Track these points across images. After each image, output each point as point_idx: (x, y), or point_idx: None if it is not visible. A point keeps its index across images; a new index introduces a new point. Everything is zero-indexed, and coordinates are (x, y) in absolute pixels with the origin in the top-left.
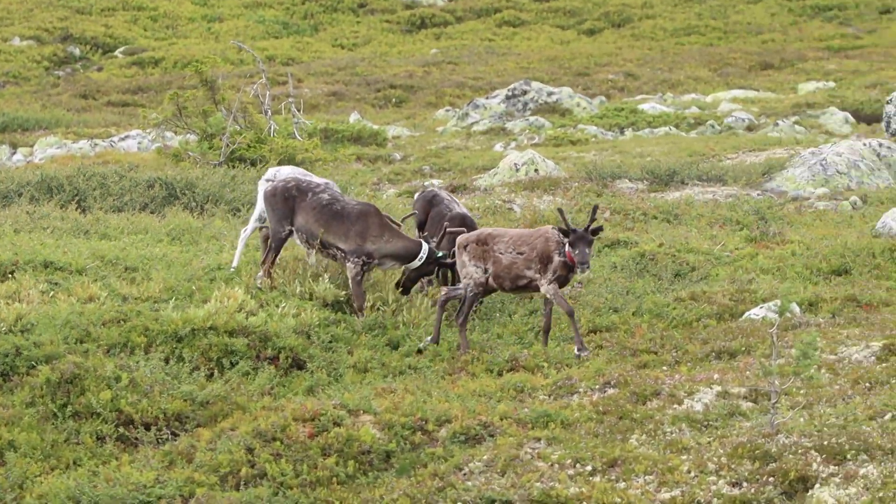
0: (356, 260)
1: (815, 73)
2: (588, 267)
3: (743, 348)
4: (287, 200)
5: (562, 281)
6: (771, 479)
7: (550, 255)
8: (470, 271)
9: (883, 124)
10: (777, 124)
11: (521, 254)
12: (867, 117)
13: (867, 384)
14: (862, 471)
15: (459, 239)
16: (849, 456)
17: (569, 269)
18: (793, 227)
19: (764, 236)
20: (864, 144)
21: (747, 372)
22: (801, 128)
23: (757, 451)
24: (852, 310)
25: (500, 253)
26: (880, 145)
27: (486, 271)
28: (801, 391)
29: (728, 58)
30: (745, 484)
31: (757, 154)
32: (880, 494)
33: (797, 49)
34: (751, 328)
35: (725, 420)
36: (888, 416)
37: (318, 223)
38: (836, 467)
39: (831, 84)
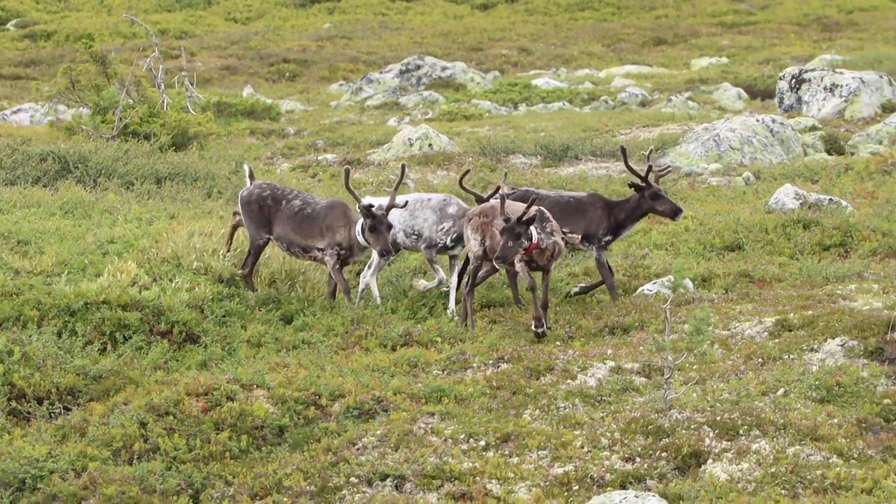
0: (331, 252)
1: (709, 49)
2: (502, 261)
3: (636, 324)
4: (263, 209)
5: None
6: (664, 454)
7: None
8: (470, 244)
9: (776, 100)
10: (670, 100)
11: None
12: (760, 93)
13: (760, 360)
14: (754, 446)
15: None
16: (741, 431)
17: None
18: (687, 202)
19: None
20: (758, 120)
21: (640, 347)
22: (695, 103)
23: (650, 427)
24: (745, 285)
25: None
26: (773, 121)
27: (482, 243)
28: (694, 367)
29: (621, 33)
30: (638, 459)
31: (650, 129)
32: (772, 470)
33: (690, 25)
34: (644, 304)
35: (618, 395)
36: (780, 392)
37: (294, 231)
38: (729, 443)
39: (724, 60)
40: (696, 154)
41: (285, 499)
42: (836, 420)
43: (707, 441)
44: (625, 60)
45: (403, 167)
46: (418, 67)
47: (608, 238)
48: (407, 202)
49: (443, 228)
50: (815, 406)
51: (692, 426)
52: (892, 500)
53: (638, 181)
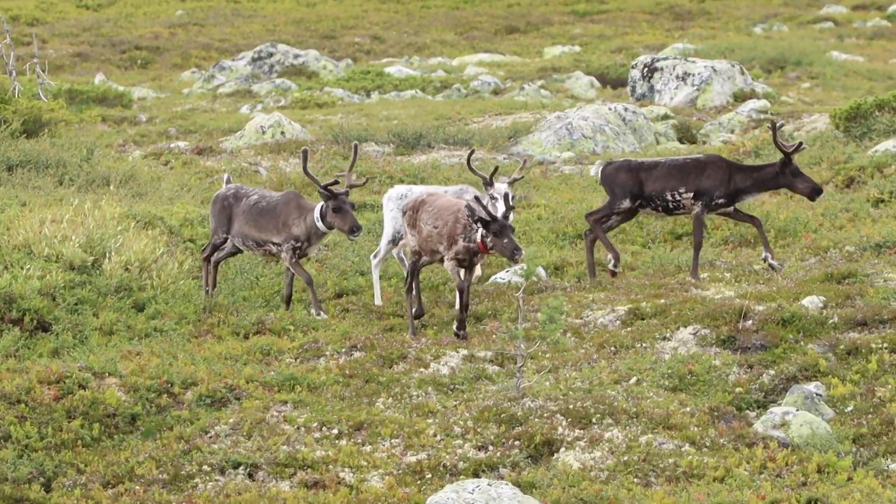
0: (287, 246)
1: (561, 38)
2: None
3: (489, 312)
4: (225, 208)
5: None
6: (517, 442)
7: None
8: (407, 239)
9: (628, 89)
10: (523, 88)
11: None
12: (612, 81)
13: (612, 348)
14: (607, 434)
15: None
16: (594, 420)
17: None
18: (539, 191)
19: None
20: (610, 109)
21: (493, 336)
22: (547, 92)
23: (503, 415)
24: (598, 274)
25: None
26: (625, 109)
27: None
28: (547, 355)
29: (474, 21)
30: (490, 447)
31: (503, 118)
32: (625, 458)
33: (543, 13)
34: (497, 292)
35: (472, 384)
36: (633, 380)
37: (249, 225)
38: (582, 431)
39: (577, 48)
40: (548, 142)
41: (137, 487)
42: (688, 408)
43: (560, 429)
44: (477, 49)
45: (356, 146)
46: (271, 55)
47: (721, 201)
48: (367, 180)
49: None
50: (667, 394)
51: (545, 414)
52: (744, 489)
53: (784, 155)
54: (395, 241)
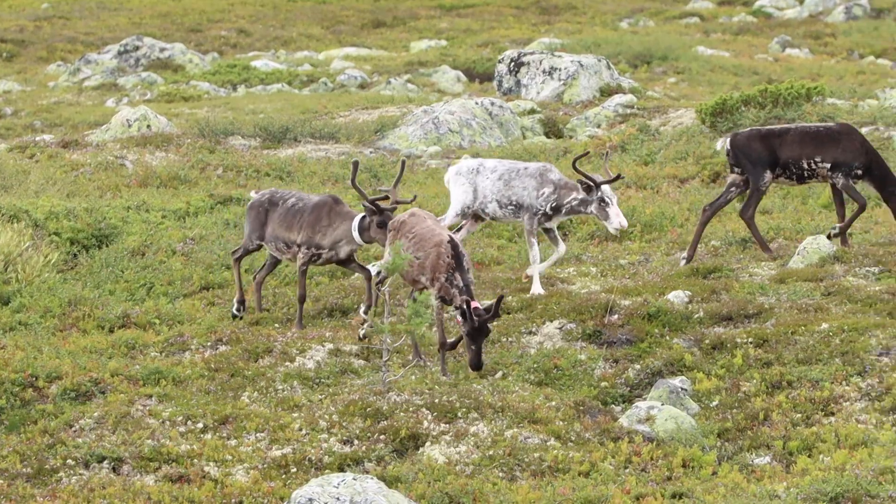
0: (305, 251)
1: (428, 32)
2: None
3: (355, 306)
4: (260, 214)
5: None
6: (382, 436)
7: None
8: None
9: (494, 83)
10: (390, 82)
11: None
12: (479, 76)
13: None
14: (472, 429)
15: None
16: (459, 414)
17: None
18: (405, 185)
19: (376, 194)
20: (477, 103)
21: (359, 329)
22: (414, 86)
23: (368, 409)
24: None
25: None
26: (492, 104)
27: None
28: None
29: (341, 15)
30: (356, 441)
31: (370, 112)
32: (490, 452)
33: (409, 7)
34: (363, 286)
35: (337, 377)
36: (498, 374)
37: (282, 226)
38: (447, 425)
39: (443, 43)
40: (415, 137)
41: (1, 481)
42: (553, 403)
43: (425, 423)
44: (344, 43)
45: (403, 162)
46: (137, 48)
47: (859, 172)
48: (415, 197)
49: (543, 194)
50: (532, 389)
51: (410, 409)
52: (609, 483)
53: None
54: (464, 215)
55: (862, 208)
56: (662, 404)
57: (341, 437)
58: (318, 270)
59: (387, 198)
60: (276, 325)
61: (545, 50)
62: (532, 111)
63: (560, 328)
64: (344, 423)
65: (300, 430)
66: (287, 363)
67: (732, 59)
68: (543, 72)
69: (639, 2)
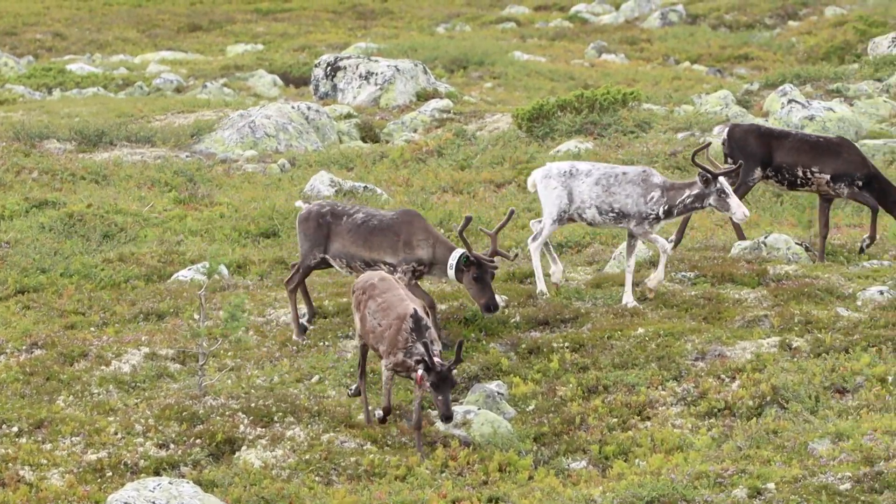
0: (405, 268)
1: (244, 36)
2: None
3: (171, 310)
4: (321, 227)
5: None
6: (198, 440)
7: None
8: (354, 320)
9: (311, 87)
10: (206, 86)
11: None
12: (296, 80)
13: (294, 346)
14: (289, 433)
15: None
16: (276, 418)
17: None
18: (222, 189)
19: (193, 198)
20: (293, 107)
21: (176, 334)
22: (230, 90)
23: (184, 413)
24: (280, 272)
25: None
26: (308, 108)
27: (361, 320)
28: (230, 353)
29: (157, 19)
30: (172, 445)
31: (186, 116)
32: (307, 456)
33: (226, 11)
34: (179, 290)
35: (153, 381)
36: (315, 379)
37: (355, 243)
38: (264, 429)
39: (260, 47)
40: (231, 140)
41: None
42: (370, 407)
43: (241, 428)
44: (160, 46)
45: (512, 212)
46: None
47: (860, 183)
48: (516, 255)
49: (652, 198)
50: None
51: (227, 413)
52: (426, 487)
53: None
54: (560, 221)
55: (875, 210)
56: (479, 409)
57: (157, 441)
58: (135, 273)
59: (492, 261)
60: (92, 328)
61: (362, 54)
62: (349, 115)
63: None
64: (160, 427)
65: (116, 434)
66: (102, 367)
67: (549, 65)
68: (360, 76)
69: (455, 7)
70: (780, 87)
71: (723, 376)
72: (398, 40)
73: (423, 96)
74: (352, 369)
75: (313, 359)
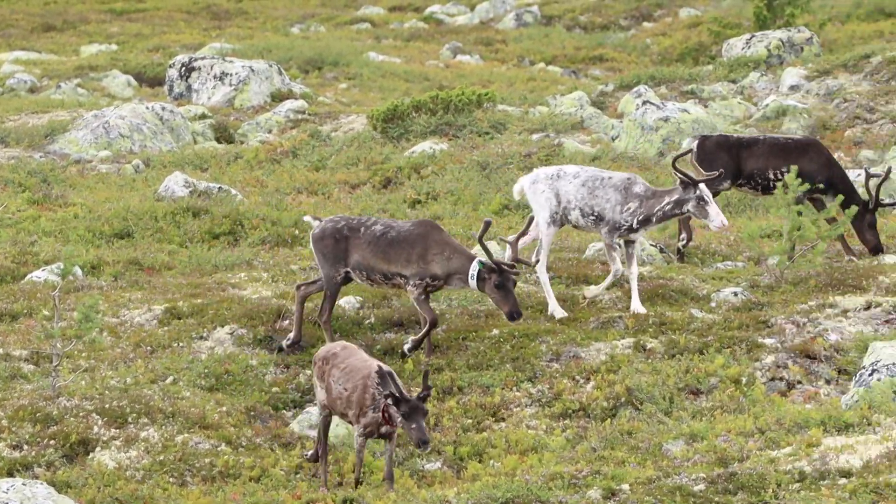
0: (418, 282)
1: (98, 36)
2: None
3: (25, 310)
4: (339, 242)
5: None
6: (52, 441)
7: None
8: (316, 392)
9: (166, 88)
10: (60, 86)
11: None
12: (150, 80)
13: (149, 347)
14: (143, 434)
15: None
16: (130, 419)
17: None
18: (76, 189)
19: (46, 199)
20: (147, 108)
21: (29, 334)
22: (84, 90)
23: (38, 414)
24: (135, 273)
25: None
26: (163, 109)
27: (325, 391)
28: (83, 354)
29: (10, 19)
30: (25, 447)
31: (39, 116)
32: (161, 458)
33: (80, 11)
34: (33, 290)
35: (7, 382)
36: (169, 380)
37: (375, 256)
38: (118, 430)
39: (114, 47)
40: (85, 141)
41: None
42: (224, 408)
43: (95, 429)
44: (14, 46)
45: (531, 219)
46: None
47: (821, 186)
48: (538, 261)
49: (628, 209)
50: (203, 394)
51: (81, 414)
52: (280, 488)
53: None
54: (555, 222)
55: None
56: None
57: (11, 443)
58: None
59: (513, 266)
60: None
61: (216, 55)
62: (203, 116)
63: (231, 333)
64: (13, 429)
65: None
66: None
67: (404, 65)
68: (215, 77)
69: (310, 7)
70: (635, 89)
71: (577, 377)
72: (253, 41)
73: (277, 97)
74: (206, 370)
75: (168, 360)
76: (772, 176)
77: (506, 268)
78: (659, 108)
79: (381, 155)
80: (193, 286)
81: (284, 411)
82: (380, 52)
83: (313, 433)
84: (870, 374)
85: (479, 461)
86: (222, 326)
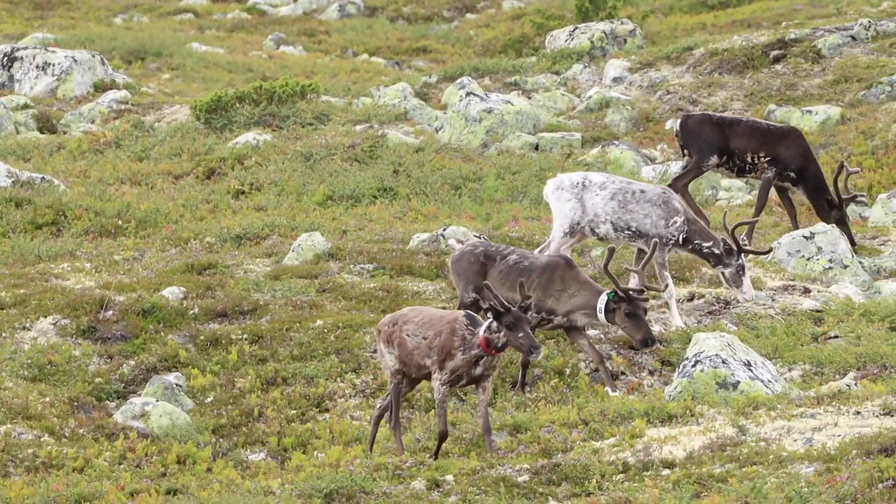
0: (534, 316)
1: None
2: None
3: None
4: (472, 264)
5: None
6: None
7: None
8: (385, 360)
9: None
10: None
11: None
12: None
13: None
14: None
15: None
16: None
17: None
18: None
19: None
20: None
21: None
22: None
23: None
24: None
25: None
26: None
27: (397, 357)
28: None
29: None
30: None
31: None
32: None
33: None
34: None
35: None
36: None
37: (504, 285)
38: None
39: None
40: None
41: None
42: (47, 399)
43: None
44: None
45: (655, 243)
46: None
47: (792, 175)
48: (667, 286)
49: (675, 223)
50: (26, 384)
51: None
52: (104, 479)
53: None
54: (572, 233)
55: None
56: (157, 400)
57: None
58: None
59: (642, 291)
60: None
61: (39, 45)
62: (26, 106)
63: (54, 324)
64: None
65: None
66: None
67: (227, 56)
68: (37, 67)
69: None
70: (459, 80)
71: None
72: (76, 31)
73: (100, 87)
74: (29, 360)
75: None
76: (749, 159)
77: (634, 296)
78: (482, 99)
79: (204, 146)
80: (16, 276)
81: (108, 402)
82: (203, 42)
83: (137, 423)
84: (693, 366)
85: (304, 452)
86: (45, 317)
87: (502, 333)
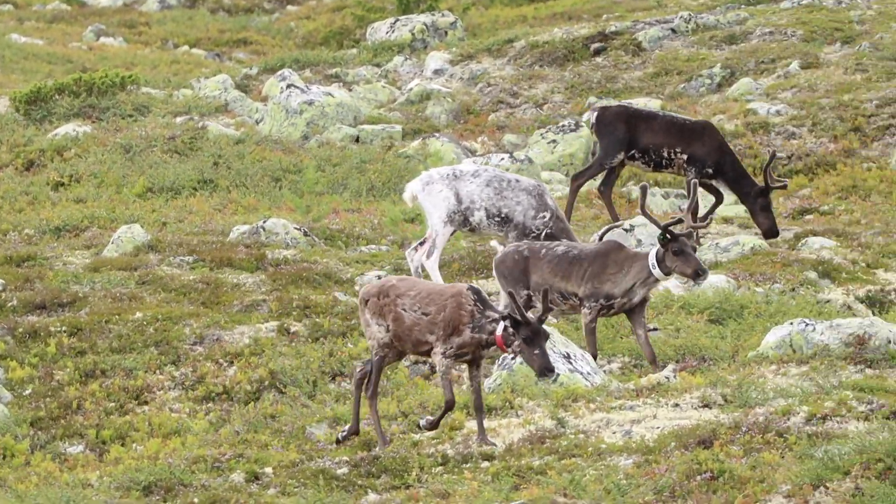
0: (593, 305)
1: None
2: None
3: None
4: (518, 262)
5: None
6: None
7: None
8: (372, 331)
9: None
10: None
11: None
12: None
13: None
14: None
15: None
16: None
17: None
18: None
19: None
20: None
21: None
22: None
23: None
24: None
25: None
26: None
27: (387, 329)
28: None
29: None
30: None
31: None
32: None
33: None
34: None
35: None
36: None
37: (553, 274)
38: None
39: None
40: None
41: None
42: None
43: None
44: None
45: (694, 184)
46: None
47: (710, 171)
48: (710, 220)
49: (542, 217)
50: None
51: None
52: None
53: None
54: (452, 221)
55: (719, 202)
56: None
57: None
58: None
59: (681, 221)
60: None
61: None
62: None
63: None
64: None
65: None
66: None
67: (47, 48)
68: None
69: None
70: (279, 72)
71: (221, 361)
72: None
73: None
74: None
75: None
76: (665, 154)
77: (678, 233)
78: (303, 91)
79: (23, 137)
80: None
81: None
82: (22, 33)
83: None
84: (512, 358)
85: (122, 444)
86: None
87: (517, 344)
